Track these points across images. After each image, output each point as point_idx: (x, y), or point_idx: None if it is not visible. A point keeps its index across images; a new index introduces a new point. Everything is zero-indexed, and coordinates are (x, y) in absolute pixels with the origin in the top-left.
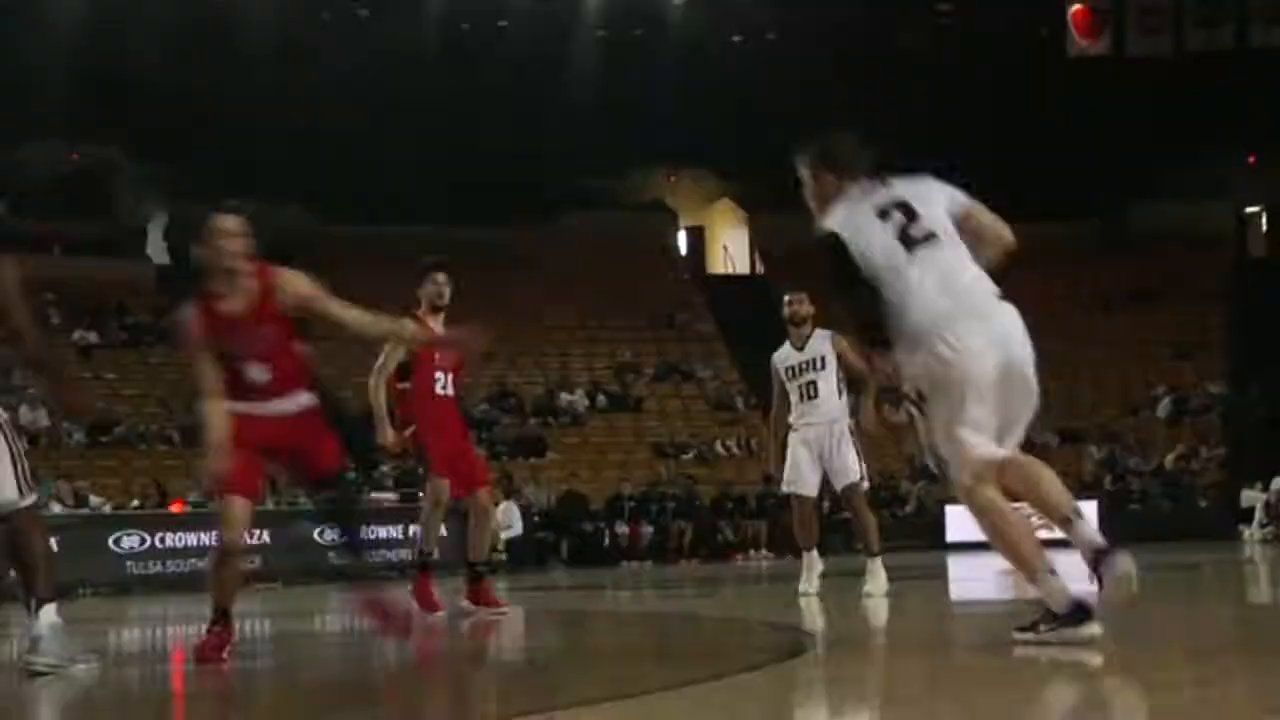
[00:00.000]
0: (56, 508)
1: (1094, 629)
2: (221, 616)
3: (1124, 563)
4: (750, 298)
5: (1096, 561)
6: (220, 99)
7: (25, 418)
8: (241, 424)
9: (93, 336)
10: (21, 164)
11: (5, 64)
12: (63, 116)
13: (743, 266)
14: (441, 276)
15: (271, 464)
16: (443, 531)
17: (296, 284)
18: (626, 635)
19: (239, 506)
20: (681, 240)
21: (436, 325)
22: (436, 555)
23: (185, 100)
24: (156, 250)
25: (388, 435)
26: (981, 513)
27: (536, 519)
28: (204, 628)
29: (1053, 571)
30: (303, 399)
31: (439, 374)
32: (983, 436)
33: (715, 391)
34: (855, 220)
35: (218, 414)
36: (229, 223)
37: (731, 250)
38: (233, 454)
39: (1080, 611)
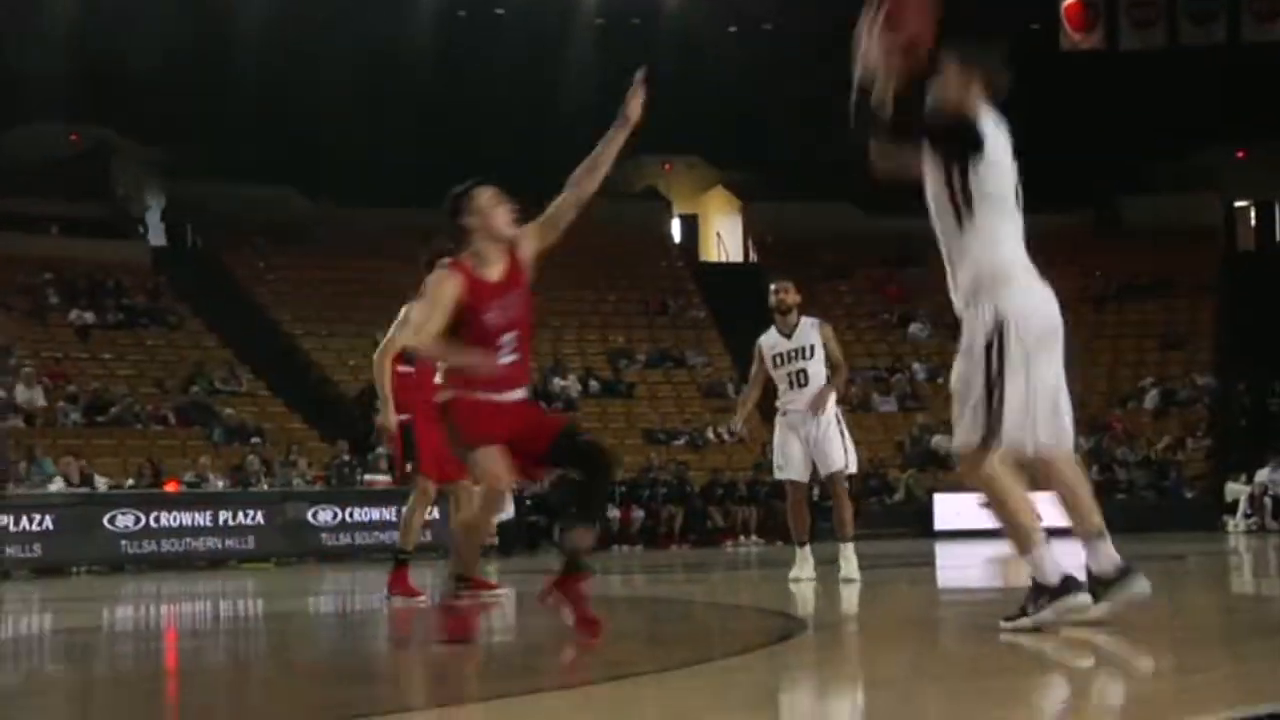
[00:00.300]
0: (53, 486)
1: (1086, 598)
2: (467, 582)
3: (1141, 584)
4: (743, 285)
5: (1116, 576)
6: (218, 82)
7: (21, 396)
8: (486, 411)
9: (89, 317)
10: (22, 145)
11: (5, 46)
12: (62, 98)
13: (736, 254)
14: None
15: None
16: (434, 514)
17: (525, 237)
18: (617, 618)
19: (500, 454)
20: (675, 228)
21: None
22: (429, 538)
23: (183, 82)
24: (153, 232)
25: (390, 417)
26: (987, 481)
27: (529, 503)
28: (446, 599)
29: (1045, 543)
30: (525, 391)
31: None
32: (1066, 404)
33: (707, 378)
34: (1002, 142)
35: (436, 343)
36: (494, 192)
37: (725, 238)
38: (472, 409)
39: (1070, 582)
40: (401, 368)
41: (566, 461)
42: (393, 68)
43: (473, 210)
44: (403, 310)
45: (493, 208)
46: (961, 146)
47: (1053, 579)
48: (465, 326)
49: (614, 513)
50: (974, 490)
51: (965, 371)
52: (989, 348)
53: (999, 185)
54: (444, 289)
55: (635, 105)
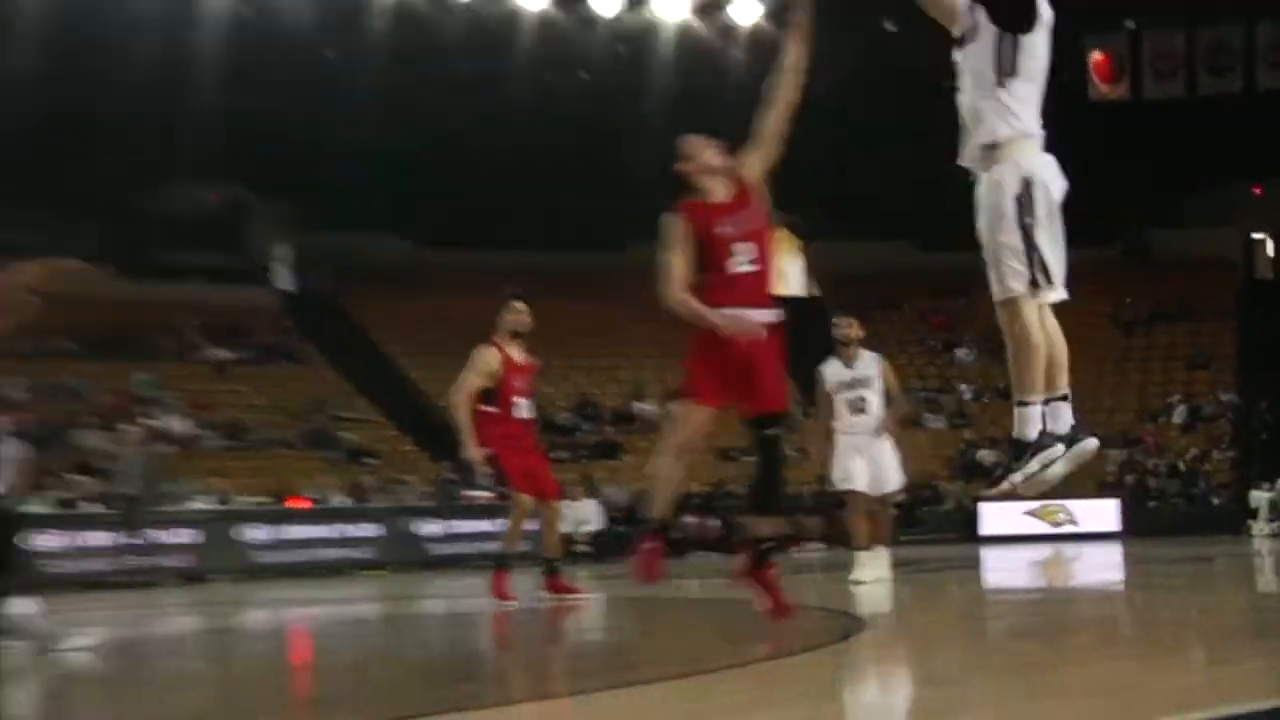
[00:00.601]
0: (196, 504)
1: (1059, 447)
2: (661, 527)
3: (1091, 443)
4: (804, 318)
5: (1072, 436)
6: (335, 139)
7: (165, 424)
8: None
9: (227, 354)
10: (169, 203)
11: (147, 111)
12: (202, 161)
13: (798, 289)
14: (520, 305)
15: (727, 384)
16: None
17: (745, 162)
18: (695, 619)
19: (701, 414)
20: None
21: (515, 351)
22: (523, 548)
23: (305, 142)
24: (281, 279)
25: (473, 451)
26: (1023, 328)
27: (615, 515)
28: (640, 541)
29: (1043, 404)
30: (774, 313)
31: (517, 399)
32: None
33: None
34: (1049, 22)
35: (689, 299)
36: (696, 137)
37: (788, 274)
38: (703, 363)
39: (1046, 436)
40: (484, 407)
41: (755, 440)
42: (485, 113)
43: (683, 156)
44: (472, 354)
45: (699, 149)
46: (1021, 20)
47: (1034, 434)
48: (701, 248)
49: (691, 519)
50: (1009, 338)
51: (993, 225)
52: (1019, 200)
53: (1038, 60)
54: (676, 228)
55: (801, 9)
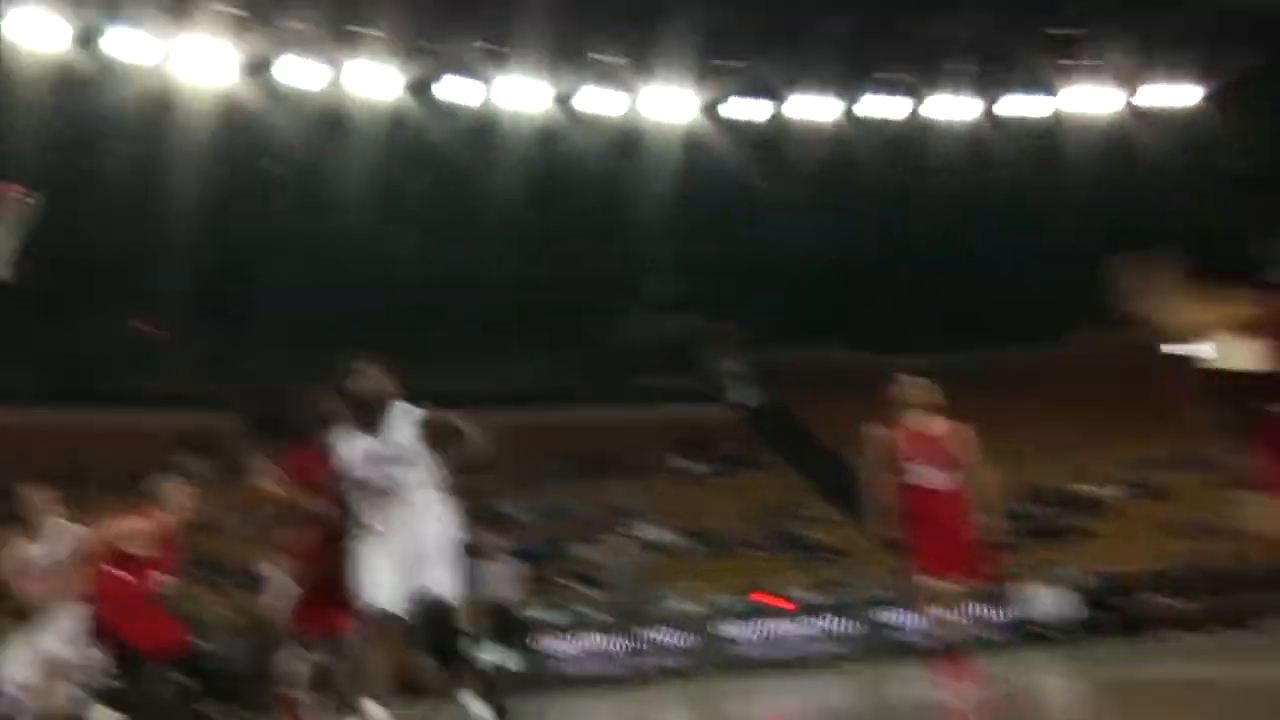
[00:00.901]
0: (678, 605)
1: None
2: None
3: None
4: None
5: None
6: (780, 264)
7: (651, 535)
8: None
9: (698, 466)
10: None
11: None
12: (661, 292)
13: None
14: (907, 379)
15: None
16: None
17: None
18: (1157, 700)
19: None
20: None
21: (914, 422)
22: (964, 636)
23: (740, 269)
24: (738, 394)
25: (874, 526)
26: None
27: (1078, 598)
28: None
29: None
30: None
31: (911, 465)
32: None
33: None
34: None
35: None
36: None
37: (1240, 352)
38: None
39: None
40: (895, 479)
41: None
42: (911, 231)
43: None
44: (867, 432)
45: None
46: None
47: None
48: None
49: (1160, 601)
50: None
51: None
52: None
53: None
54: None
55: None
